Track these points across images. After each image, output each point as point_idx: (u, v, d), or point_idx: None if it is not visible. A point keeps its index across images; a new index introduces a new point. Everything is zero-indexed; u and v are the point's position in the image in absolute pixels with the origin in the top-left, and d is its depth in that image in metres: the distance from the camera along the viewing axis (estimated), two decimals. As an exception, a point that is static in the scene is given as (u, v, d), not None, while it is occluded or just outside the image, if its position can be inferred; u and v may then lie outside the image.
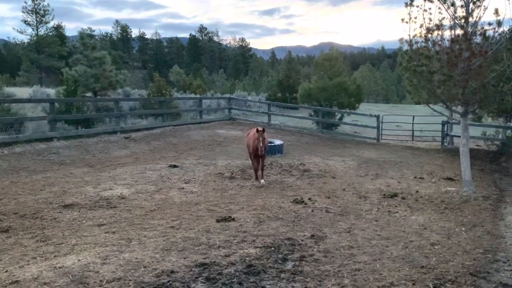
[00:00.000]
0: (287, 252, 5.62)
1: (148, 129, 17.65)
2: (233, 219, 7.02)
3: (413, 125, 19.95)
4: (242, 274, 4.88)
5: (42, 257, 5.32)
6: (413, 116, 20.44)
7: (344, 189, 9.69)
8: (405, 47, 10.16)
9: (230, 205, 7.95)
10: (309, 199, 8.59)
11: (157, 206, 7.81)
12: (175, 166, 11.46)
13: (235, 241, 5.99)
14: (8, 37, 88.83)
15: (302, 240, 6.12)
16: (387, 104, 60.00)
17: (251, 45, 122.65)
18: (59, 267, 4.92)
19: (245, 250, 5.62)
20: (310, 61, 76.98)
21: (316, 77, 24.34)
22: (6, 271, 4.85)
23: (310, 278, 4.84)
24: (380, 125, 19.23)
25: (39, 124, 15.24)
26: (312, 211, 7.78)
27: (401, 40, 10.07)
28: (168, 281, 4.63)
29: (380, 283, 4.76)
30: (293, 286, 4.63)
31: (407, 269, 5.19)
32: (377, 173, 11.72)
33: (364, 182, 10.54)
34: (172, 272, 4.88)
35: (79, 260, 5.15)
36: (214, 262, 5.19)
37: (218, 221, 6.90)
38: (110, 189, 8.94)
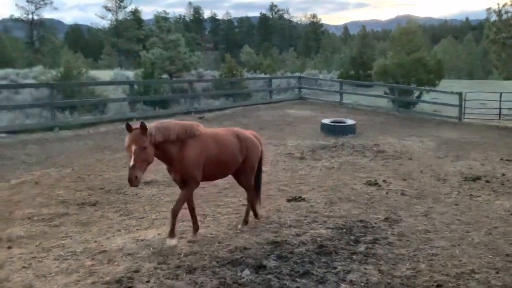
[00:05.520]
0: (359, 234, 5.53)
1: (220, 109, 18.08)
2: (304, 200, 7.03)
3: (500, 103, 18.33)
4: (313, 254, 4.89)
5: (126, 230, 5.74)
6: (501, 93, 18.75)
7: (421, 171, 9.25)
8: (493, 17, 9.36)
9: (300, 186, 7.95)
10: (383, 181, 8.33)
11: (229, 184, 8.00)
12: (246, 146, 11.63)
13: (306, 221, 6.00)
14: (91, 23, 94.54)
15: (375, 223, 5.98)
16: (471, 80, 55.71)
17: (322, 21, 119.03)
18: (141, 240, 5.28)
19: (316, 231, 5.62)
20: (386, 36, 73.37)
21: (392, 53, 23.11)
22: (95, 241, 5.31)
23: (383, 261, 4.73)
24: (463, 103, 17.91)
25: (120, 105, 16.26)
26: (387, 193, 7.54)
27: (488, 10, 9.29)
28: (241, 257, 4.77)
29: (459, 270, 4.52)
30: (365, 268, 4.56)
31: (490, 256, 4.88)
32: (458, 155, 11.03)
33: (444, 164, 9.98)
34: (245, 248, 5.01)
35: (158, 234, 5.48)
36: (286, 240, 5.25)
37: (288, 200, 6.95)
38: (186, 167, 9.31)
